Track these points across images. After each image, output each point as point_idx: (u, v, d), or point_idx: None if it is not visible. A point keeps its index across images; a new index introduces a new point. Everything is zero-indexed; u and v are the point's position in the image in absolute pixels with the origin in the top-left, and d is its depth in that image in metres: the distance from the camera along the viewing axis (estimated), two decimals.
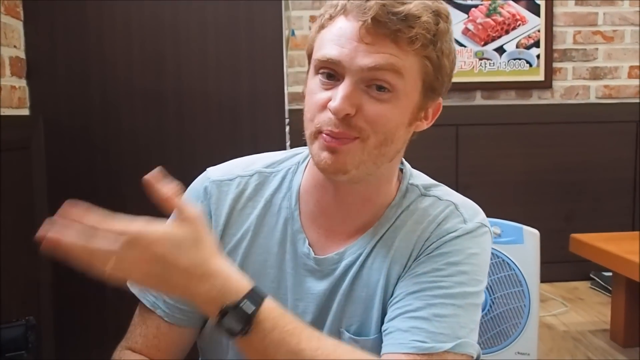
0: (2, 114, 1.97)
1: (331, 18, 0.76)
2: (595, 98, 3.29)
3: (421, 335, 0.73)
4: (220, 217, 0.83)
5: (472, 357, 0.76)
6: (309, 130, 0.77)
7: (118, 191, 2.10)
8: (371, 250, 0.80)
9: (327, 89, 0.75)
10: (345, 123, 0.73)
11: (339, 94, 0.72)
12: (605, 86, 3.28)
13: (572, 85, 3.27)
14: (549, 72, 3.21)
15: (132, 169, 2.10)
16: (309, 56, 0.80)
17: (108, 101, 2.19)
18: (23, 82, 2.14)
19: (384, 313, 0.79)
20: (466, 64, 3.17)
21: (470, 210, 0.82)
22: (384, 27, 0.71)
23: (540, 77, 3.21)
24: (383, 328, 0.78)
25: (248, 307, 0.65)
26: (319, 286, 0.81)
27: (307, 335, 0.68)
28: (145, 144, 2.18)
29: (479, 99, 3.23)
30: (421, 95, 0.77)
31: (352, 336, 0.79)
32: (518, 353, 1.89)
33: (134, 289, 0.84)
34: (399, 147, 0.79)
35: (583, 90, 3.28)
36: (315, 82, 0.76)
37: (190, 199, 0.84)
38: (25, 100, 2.15)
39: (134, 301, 0.86)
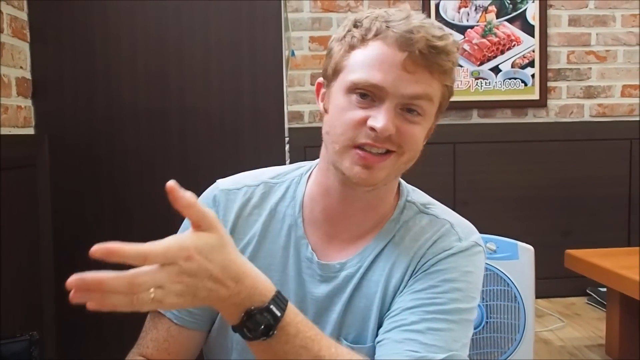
0: (9, 132, 2.01)
1: (364, 40, 0.80)
2: (590, 116, 3.34)
3: (415, 346, 0.76)
4: (228, 223, 0.87)
5: None
6: (339, 144, 0.80)
7: (123, 208, 2.13)
8: (371, 263, 0.84)
9: (362, 108, 0.79)
10: (385, 140, 0.78)
11: (383, 115, 0.77)
12: (599, 105, 3.34)
13: (567, 104, 3.32)
14: (544, 91, 3.27)
15: (136, 187, 2.14)
16: (334, 73, 0.83)
17: (112, 120, 2.23)
18: (29, 102, 2.19)
19: (379, 324, 0.83)
20: (463, 83, 3.23)
21: (466, 230, 0.86)
22: (426, 59, 0.77)
23: (535, 96, 3.27)
24: (377, 339, 0.81)
25: (275, 310, 0.65)
26: (319, 290, 0.85)
27: (326, 343, 0.70)
28: (149, 162, 2.22)
29: (475, 118, 3.28)
30: (435, 116, 0.84)
31: (350, 344, 0.83)
32: None
33: None
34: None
35: (577, 109, 3.33)
36: (346, 100, 0.80)
37: (202, 200, 0.89)
38: (30, 119, 2.20)
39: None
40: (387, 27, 0.78)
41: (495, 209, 3.12)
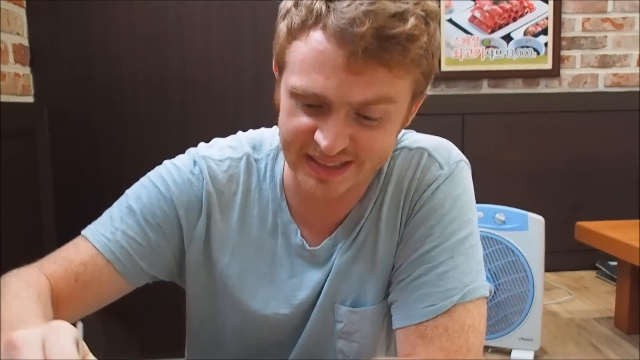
0: (7, 100, 1.98)
1: (304, 28, 0.66)
2: (604, 86, 3.25)
3: (429, 300, 0.74)
4: (211, 196, 0.81)
5: (485, 297, 0.76)
6: (290, 153, 0.71)
7: (122, 177, 2.11)
8: (361, 228, 0.80)
9: (309, 115, 0.68)
10: (339, 154, 0.68)
11: (329, 131, 0.66)
12: (614, 74, 3.25)
13: (580, 74, 3.23)
14: (557, 60, 3.18)
15: (136, 156, 2.11)
16: (279, 66, 0.72)
17: (112, 89, 2.20)
18: (27, 70, 2.15)
19: (382, 283, 0.80)
20: (473, 52, 3.14)
21: (444, 152, 0.81)
22: (377, 55, 0.62)
23: (548, 65, 3.18)
24: (390, 300, 0.78)
25: None
26: (316, 275, 0.81)
27: None
28: (149, 131, 2.19)
29: (485, 88, 3.21)
30: (410, 103, 0.73)
31: (350, 308, 0.80)
32: (521, 339, 1.88)
33: (88, 232, 0.77)
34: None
35: (591, 79, 3.25)
36: (292, 104, 0.69)
37: (180, 173, 0.82)
38: (29, 87, 2.16)
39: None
40: (328, 9, 0.63)
41: (504, 181, 3.07)
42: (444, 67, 3.08)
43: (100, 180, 2.16)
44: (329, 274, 0.80)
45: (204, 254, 0.81)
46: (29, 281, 0.70)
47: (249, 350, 0.83)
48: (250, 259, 0.81)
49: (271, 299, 0.81)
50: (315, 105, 0.67)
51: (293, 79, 0.67)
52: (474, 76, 3.15)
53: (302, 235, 0.81)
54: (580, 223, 2.36)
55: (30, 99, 2.15)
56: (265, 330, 0.82)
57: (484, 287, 0.77)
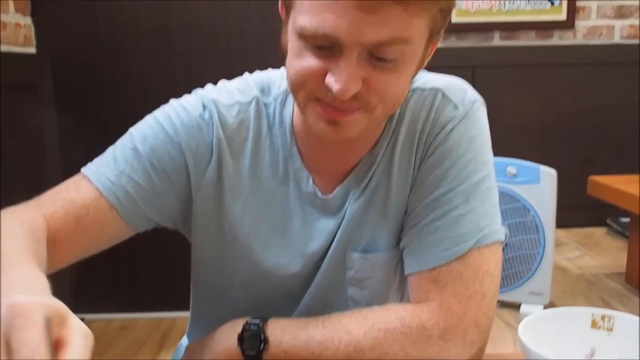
0: (8, 51, 1.93)
1: None
2: (620, 38, 3.16)
3: (443, 245, 0.71)
4: (221, 142, 0.77)
5: (501, 241, 0.73)
6: (299, 95, 0.67)
7: (127, 128, 2.08)
8: (373, 174, 0.77)
9: (319, 56, 0.63)
10: (351, 99, 0.64)
11: (341, 73, 0.61)
12: (631, 25, 3.15)
13: (596, 25, 3.14)
14: (572, 10, 3.08)
15: (140, 106, 2.07)
16: (286, 6, 0.67)
17: (115, 38, 2.15)
18: (28, 20, 2.10)
19: (394, 229, 0.77)
20: (484, 3, 3.05)
21: (458, 92, 0.77)
22: None
23: (562, 16, 3.09)
24: (402, 245, 0.76)
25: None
26: (328, 224, 0.78)
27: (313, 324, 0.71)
28: (154, 81, 2.14)
29: (497, 40, 3.12)
30: (426, 43, 0.68)
31: (361, 254, 0.77)
32: (531, 293, 1.87)
33: (91, 172, 0.74)
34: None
35: (607, 30, 3.15)
36: (301, 45, 0.64)
37: (190, 117, 0.77)
38: (31, 38, 2.11)
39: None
40: None
41: (516, 136, 3.02)
42: (455, 19, 2.99)
43: (106, 132, 2.13)
44: (341, 222, 0.77)
45: (214, 203, 0.78)
46: (23, 218, 0.67)
47: (258, 301, 0.81)
48: (262, 208, 0.78)
49: (284, 249, 0.79)
50: (325, 46, 0.63)
51: (302, 19, 0.63)
52: (485, 28, 3.07)
53: (313, 182, 0.78)
54: (592, 177, 2.32)
55: (32, 50, 2.10)
56: (276, 281, 0.80)
57: (500, 231, 0.74)
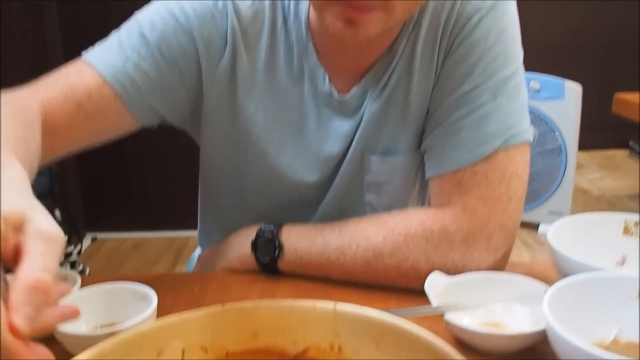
0: None
1: None
2: None
3: (468, 145, 0.66)
4: (236, 33, 0.71)
5: (529, 142, 0.68)
6: None
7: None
8: (392, 71, 0.71)
9: None
10: None
11: None
12: None
13: None
14: None
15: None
16: None
17: None
18: None
19: (414, 130, 0.72)
20: None
21: None
22: None
23: None
24: (424, 147, 0.71)
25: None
26: (345, 126, 0.73)
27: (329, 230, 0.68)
28: None
29: None
30: None
31: (380, 157, 0.73)
32: (550, 212, 1.83)
33: (94, 57, 0.68)
34: None
35: None
36: None
37: (202, 4, 0.70)
38: None
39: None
40: None
41: (538, 52, 2.88)
42: None
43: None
44: (359, 125, 0.72)
45: (228, 98, 0.72)
46: (11, 101, 0.63)
47: (272, 208, 0.77)
48: (276, 107, 0.73)
49: (298, 152, 0.74)
50: None
51: None
52: None
53: (329, 81, 0.72)
54: (619, 94, 2.22)
55: None
56: (290, 187, 0.76)
57: (529, 131, 0.69)
